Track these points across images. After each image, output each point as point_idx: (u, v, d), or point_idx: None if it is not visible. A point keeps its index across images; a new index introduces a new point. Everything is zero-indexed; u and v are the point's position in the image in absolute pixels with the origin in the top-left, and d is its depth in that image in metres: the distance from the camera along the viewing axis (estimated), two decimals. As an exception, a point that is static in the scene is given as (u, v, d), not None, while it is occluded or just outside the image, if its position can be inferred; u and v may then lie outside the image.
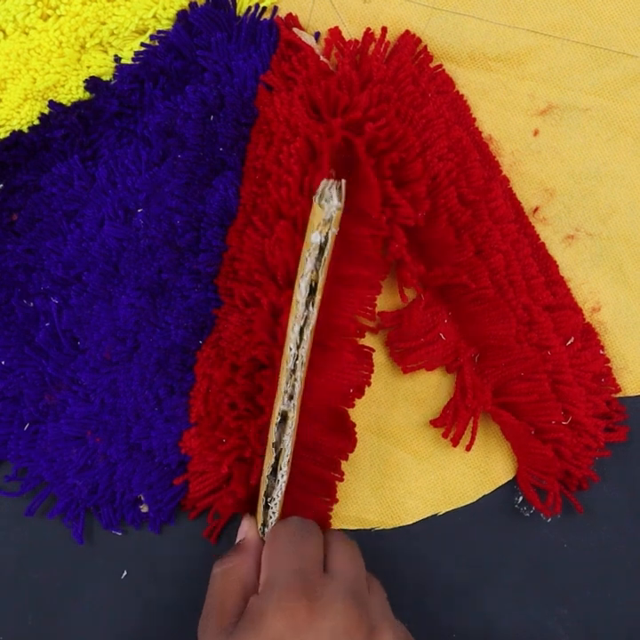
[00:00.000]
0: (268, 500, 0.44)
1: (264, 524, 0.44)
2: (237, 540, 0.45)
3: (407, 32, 0.48)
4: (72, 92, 0.49)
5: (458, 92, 0.48)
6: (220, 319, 0.47)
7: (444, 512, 0.48)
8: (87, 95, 0.49)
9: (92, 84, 0.48)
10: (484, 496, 0.48)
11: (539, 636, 0.48)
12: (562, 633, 0.48)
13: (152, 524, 0.49)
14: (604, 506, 0.48)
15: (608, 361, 0.47)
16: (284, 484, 0.44)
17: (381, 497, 0.48)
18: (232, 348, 0.46)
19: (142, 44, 0.48)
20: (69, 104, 0.49)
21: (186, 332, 0.47)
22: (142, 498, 0.49)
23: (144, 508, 0.49)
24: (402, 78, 0.46)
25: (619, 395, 0.48)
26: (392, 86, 0.46)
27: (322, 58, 0.47)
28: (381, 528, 0.48)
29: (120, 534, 0.49)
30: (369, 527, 0.48)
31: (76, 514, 0.49)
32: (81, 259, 0.48)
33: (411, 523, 0.48)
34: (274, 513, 0.44)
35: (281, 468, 0.43)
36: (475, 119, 0.49)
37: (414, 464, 0.48)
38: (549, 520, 0.48)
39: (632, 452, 0.48)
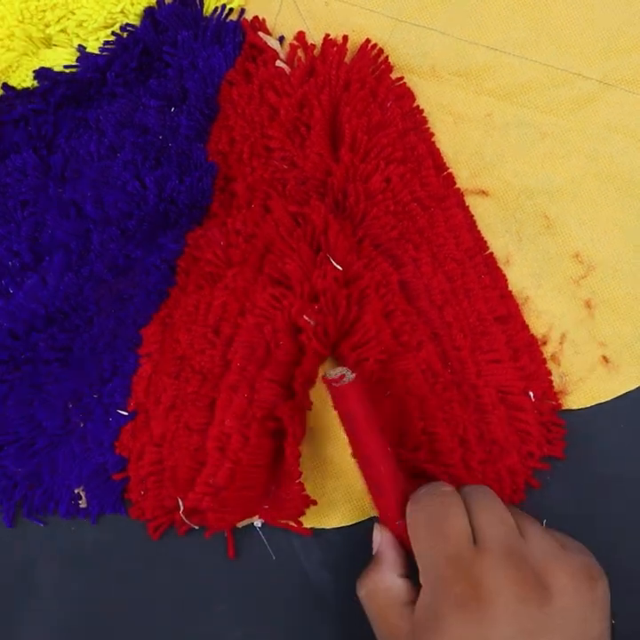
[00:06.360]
0: None
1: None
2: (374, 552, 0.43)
3: (367, 41, 0.48)
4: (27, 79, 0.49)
5: (418, 106, 0.49)
6: (171, 297, 0.48)
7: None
8: (35, 83, 0.49)
9: (44, 73, 0.48)
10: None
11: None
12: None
13: (92, 517, 0.48)
14: (554, 509, 0.47)
15: (550, 373, 0.48)
16: None
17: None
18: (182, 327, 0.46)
19: (112, 33, 0.49)
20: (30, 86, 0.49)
21: (141, 305, 0.48)
22: (82, 494, 0.47)
23: (82, 504, 0.48)
24: (355, 89, 0.47)
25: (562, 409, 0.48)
26: (346, 95, 0.46)
27: (278, 62, 0.48)
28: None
29: (42, 525, 0.48)
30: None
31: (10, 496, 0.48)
32: (34, 247, 0.48)
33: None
34: None
35: None
36: (433, 133, 0.49)
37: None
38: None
39: (580, 457, 0.48)
